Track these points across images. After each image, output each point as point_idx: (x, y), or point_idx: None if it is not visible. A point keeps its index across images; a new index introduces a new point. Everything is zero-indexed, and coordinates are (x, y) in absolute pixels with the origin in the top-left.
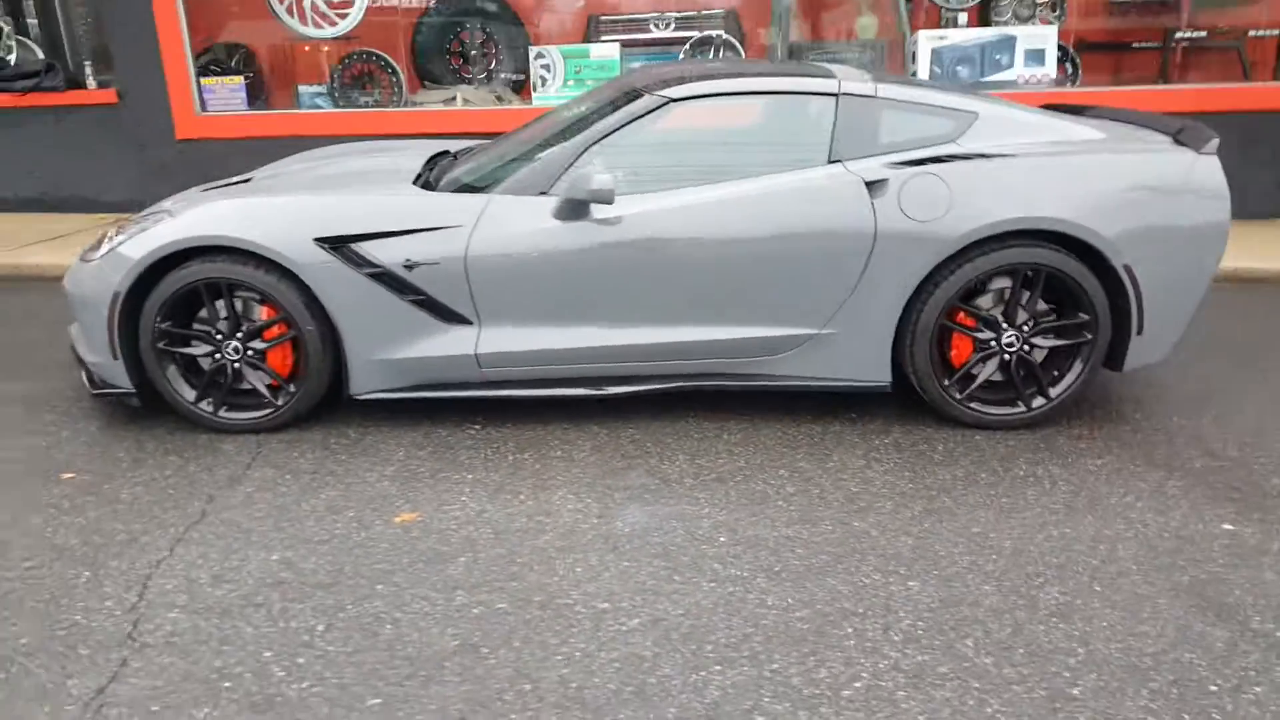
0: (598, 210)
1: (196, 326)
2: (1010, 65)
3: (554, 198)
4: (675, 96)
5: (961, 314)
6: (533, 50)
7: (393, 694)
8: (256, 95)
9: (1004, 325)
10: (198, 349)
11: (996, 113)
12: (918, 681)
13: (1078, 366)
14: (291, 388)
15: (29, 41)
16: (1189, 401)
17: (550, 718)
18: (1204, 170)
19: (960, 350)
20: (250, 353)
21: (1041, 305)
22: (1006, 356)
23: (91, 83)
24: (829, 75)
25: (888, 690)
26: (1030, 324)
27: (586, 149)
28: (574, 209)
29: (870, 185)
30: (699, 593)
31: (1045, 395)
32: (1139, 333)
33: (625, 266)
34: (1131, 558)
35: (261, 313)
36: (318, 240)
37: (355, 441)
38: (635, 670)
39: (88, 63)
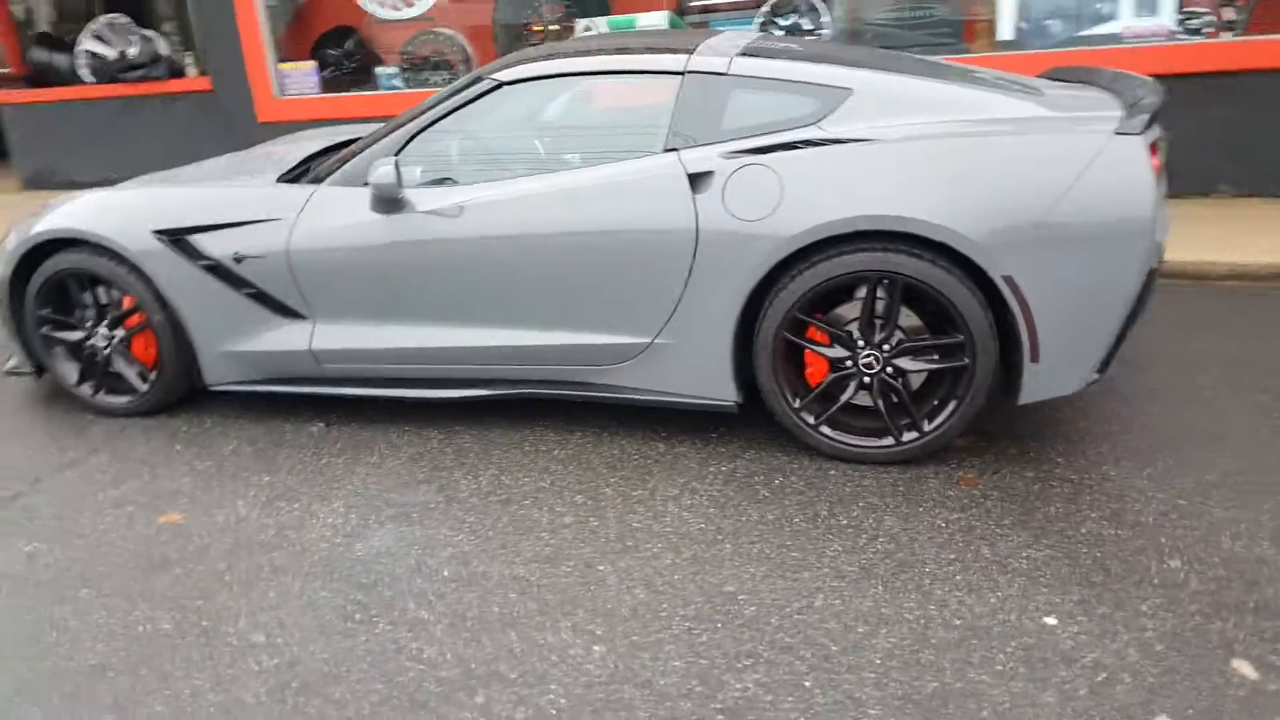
0: (417, 203)
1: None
2: (1114, 15)
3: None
4: (504, 79)
5: (813, 327)
6: (580, 22)
7: None
8: (363, 79)
9: (860, 343)
10: (72, 335)
11: (877, 89)
12: None
13: (956, 397)
14: (153, 375)
15: (151, 34)
16: (1140, 448)
17: None
18: (1117, 156)
19: (816, 368)
20: (117, 340)
21: (915, 321)
22: (866, 379)
23: (192, 71)
24: (689, 51)
25: None
26: (894, 343)
27: (412, 137)
28: (387, 201)
29: (693, 178)
30: (363, 636)
31: (918, 428)
32: (1034, 359)
33: (444, 264)
34: (886, 649)
35: (125, 302)
36: (156, 232)
37: (201, 432)
38: (229, 717)
39: (189, 52)
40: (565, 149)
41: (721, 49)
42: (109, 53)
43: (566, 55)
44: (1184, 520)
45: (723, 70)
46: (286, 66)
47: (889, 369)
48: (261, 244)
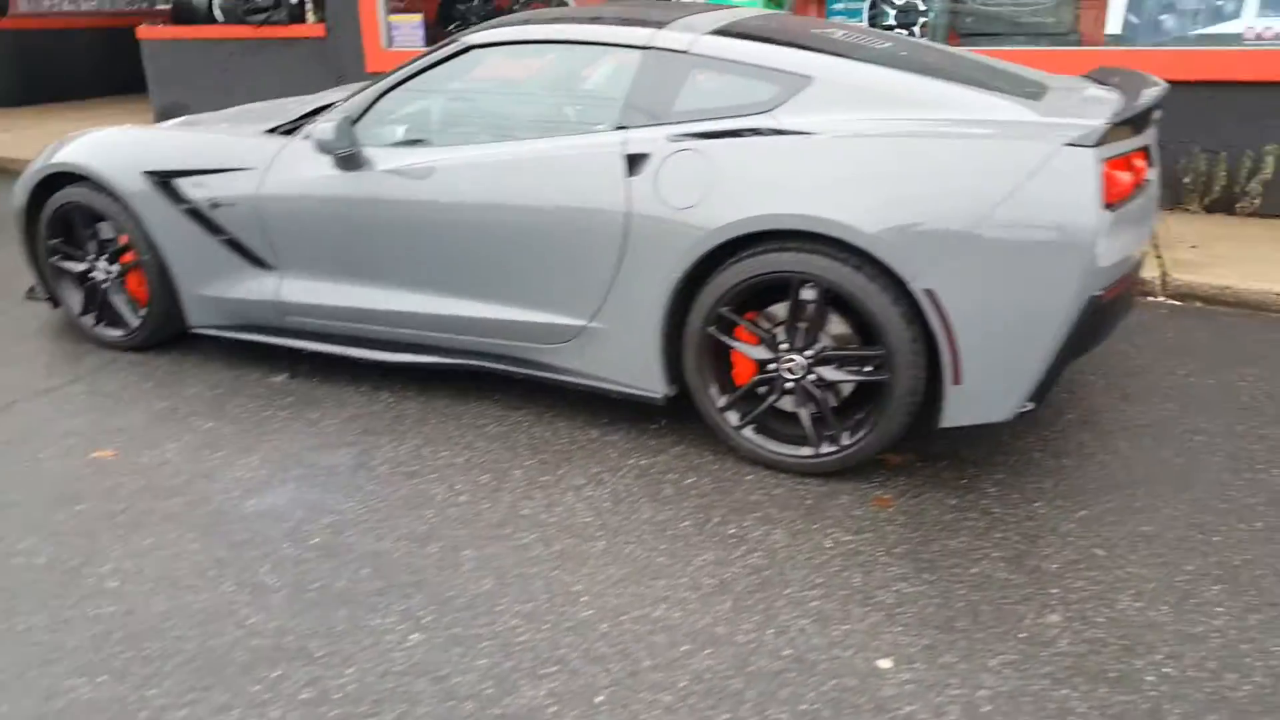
0: (373, 162)
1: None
2: (1236, 14)
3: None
4: (473, 42)
5: (741, 326)
6: None
7: None
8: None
9: (783, 346)
10: (76, 266)
11: (838, 79)
12: None
13: (875, 413)
14: (143, 312)
15: None
16: (1086, 487)
17: None
18: (1062, 167)
19: (743, 369)
20: (114, 275)
21: (847, 329)
22: (789, 385)
23: (310, 18)
24: (659, 25)
25: None
26: (817, 350)
27: (381, 95)
28: (349, 159)
29: (631, 160)
30: (205, 594)
31: (837, 441)
32: (956, 380)
33: (395, 225)
34: (698, 671)
35: (120, 239)
36: (145, 173)
37: (175, 371)
38: (43, 659)
39: None
40: (523, 118)
41: (696, 25)
42: None
43: (540, 22)
44: (1090, 572)
45: (684, 49)
46: (396, 18)
47: (812, 376)
48: (235, 192)
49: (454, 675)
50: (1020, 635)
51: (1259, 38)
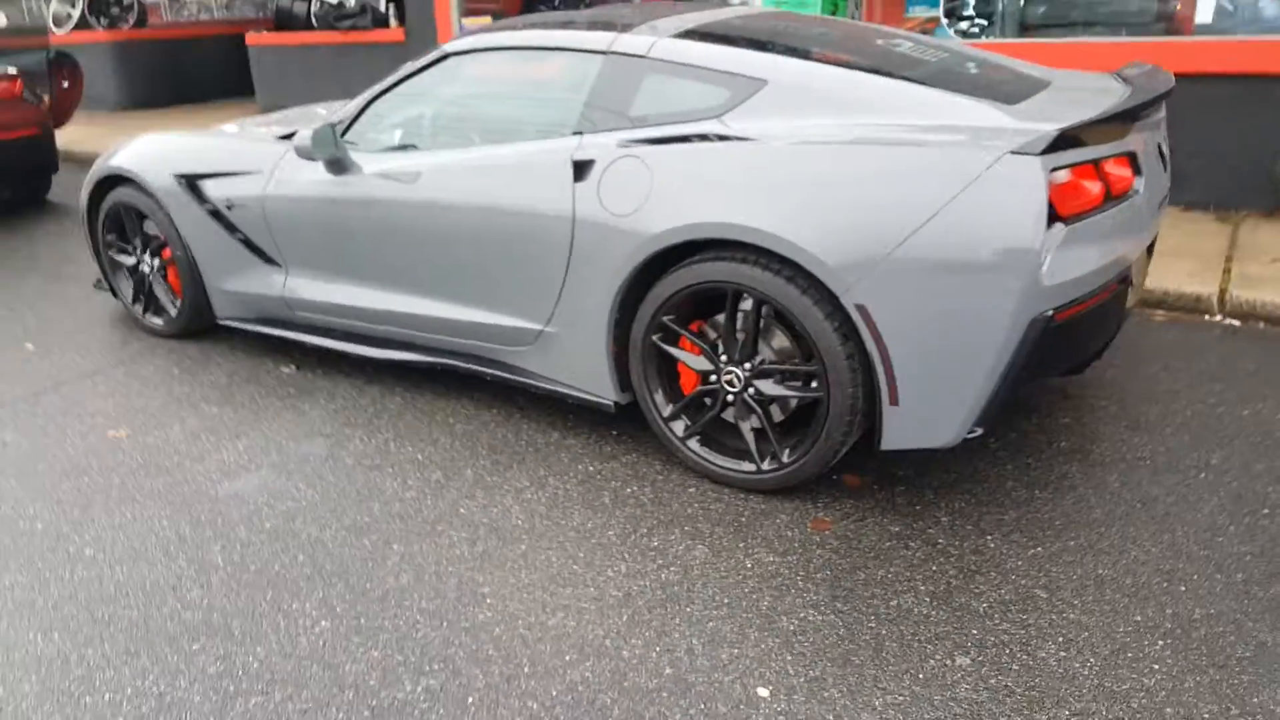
0: (358, 166)
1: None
2: None
3: None
4: (450, 49)
5: (685, 336)
6: None
7: None
8: None
9: (722, 358)
10: (127, 259)
11: (794, 82)
12: None
13: (814, 431)
14: (179, 304)
15: None
16: (1052, 524)
17: None
18: (1003, 176)
19: (688, 379)
20: (156, 267)
21: (786, 342)
22: (729, 398)
23: (393, 22)
24: (623, 28)
25: None
26: (755, 363)
27: (370, 102)
28: (335, 163)
29: (577, 166)
30: (160, 568)
31: (778, 458)
32: (892, 401)
33: (375, 226)
34: (572, 682)
35: (162, 235)
36: (176, 175)
37: (202, 359)
38: (17, 616)
39: (394, 4)
40: (493, 123)
41: (662, 28)
42: (336, 1)
43: (515, 28)
44: (1021, 615)
45: (642, 53)
46: (469, 21)
47: (751, 390)
48: (246, 193)
49: (346, 664)
50: (919, 676)
51: None
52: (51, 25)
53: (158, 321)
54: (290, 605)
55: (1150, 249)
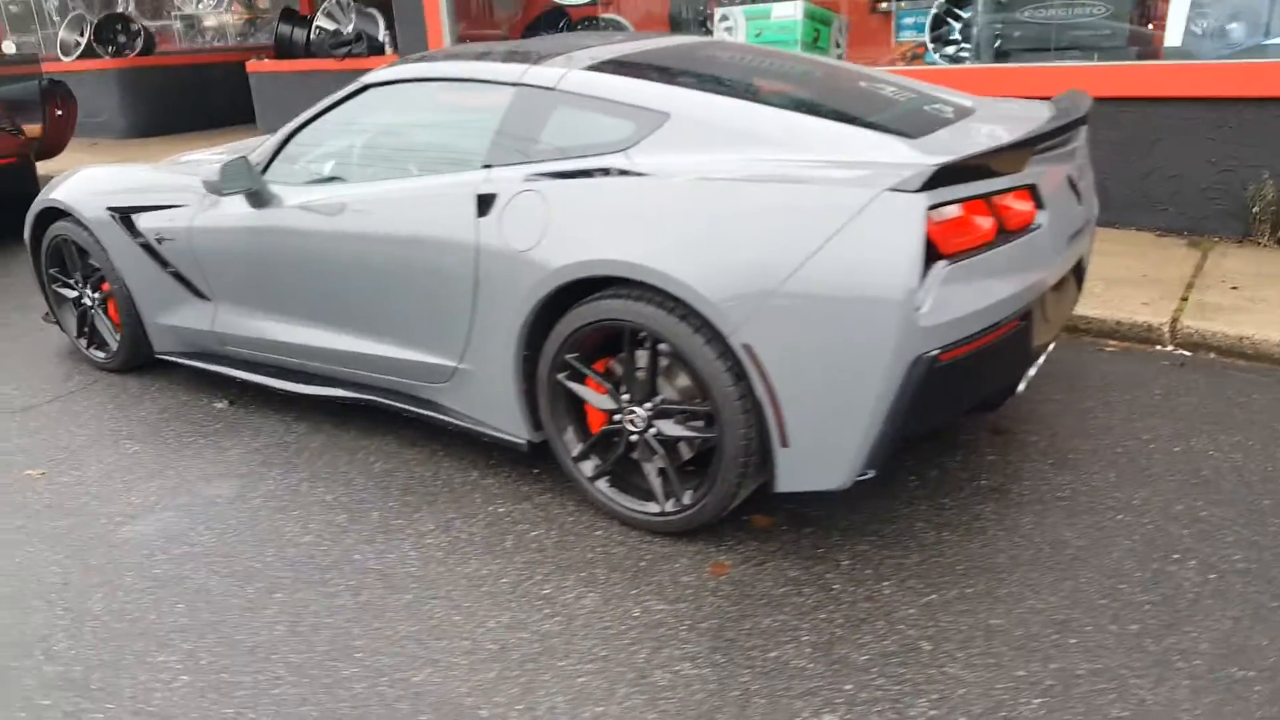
0: (278, 199)
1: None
2: None
3: None
4: (370, 80)
5: (589, 375)
6: (717, 11)
7: None
8: None
9: (624, 397)
10: (69, 292)
11: (695, 116)
12: None
13: (713, 473)
14: (118, 337)
15: (373, 11)
16: (954, 569)
17: None
18: (880, 214)
19: (595, 418)
20: (96, 301)
21: (687, 382)
22: (632, 437)
23: (389, 49)
24: (536, 60)
25: None
26: (655, 403)
27: (294, 133)
28: (254, 196)
29: (480, 200)
30: (40, 615)
31: (679, 500)
32: (783, 444)
33: (290, 260)
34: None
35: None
36: (110, 209)
37: (139, 394)
38: None
39: (388, 32)
40: (408, 155)
41: (576, 60)
42: (333, 29)
43: (433, 59)
44: (900, 669)
45: (552, 85)
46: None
47: (652, 430)
48: (175, 226)
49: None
50: None
51: None
52: (59, 53)
53: (100, 355)
54: (156, 658)
55: (1079, 280)
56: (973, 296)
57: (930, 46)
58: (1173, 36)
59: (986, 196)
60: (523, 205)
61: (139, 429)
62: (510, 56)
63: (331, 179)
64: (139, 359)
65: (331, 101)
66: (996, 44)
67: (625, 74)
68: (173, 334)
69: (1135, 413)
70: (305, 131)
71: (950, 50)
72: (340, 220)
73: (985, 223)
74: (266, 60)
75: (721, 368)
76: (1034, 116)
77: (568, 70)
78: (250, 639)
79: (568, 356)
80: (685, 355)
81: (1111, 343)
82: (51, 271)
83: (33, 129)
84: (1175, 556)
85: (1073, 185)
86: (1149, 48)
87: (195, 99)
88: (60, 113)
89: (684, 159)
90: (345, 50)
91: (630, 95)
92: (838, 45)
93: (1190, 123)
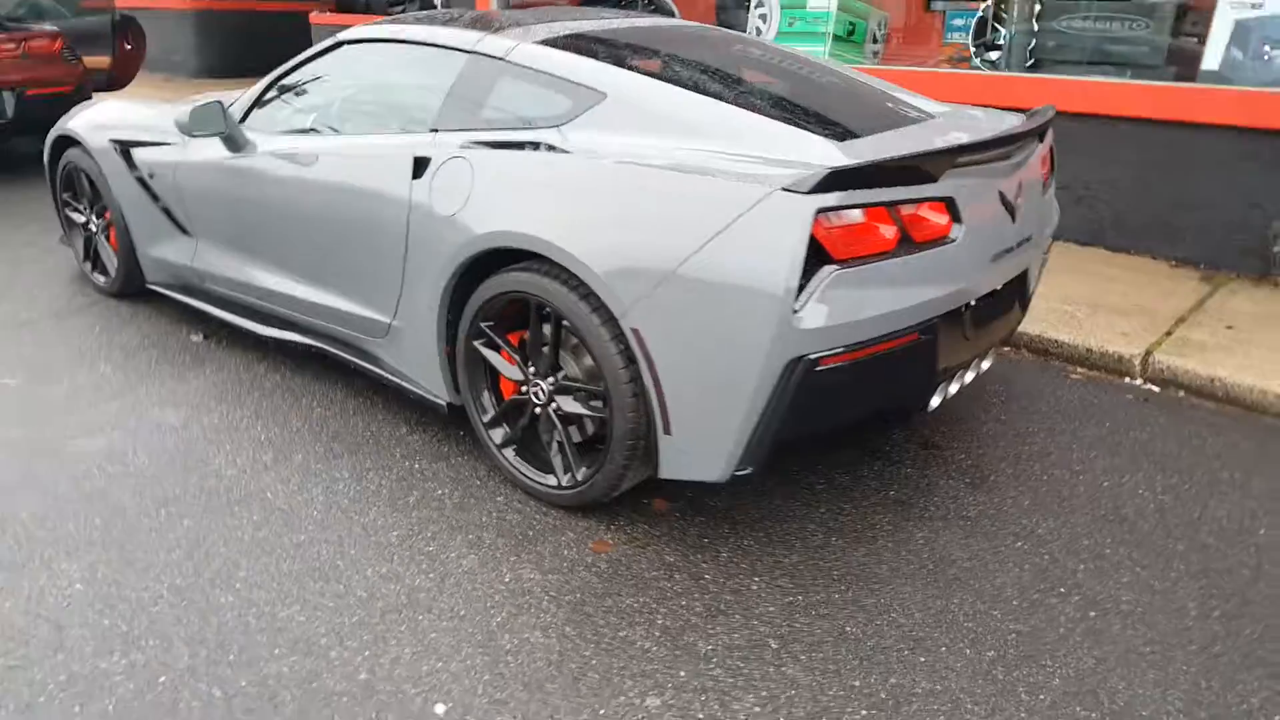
0: (251, 144)
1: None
2: None
3: None
4: (344, 38)
5: (501, 344)
6: None
7: None
8: None
9: (530, 370)
10: (78, 217)
11: (631, 98)
12: None
13: (603, 453)
14: (116, 264)
15: None
16: (830, 574)
17: None
18: (769, 213)
19: (506, 388)
20: (100, 228)
21: (590, 360)
22: (537, 410)
23: (438, 5)
24: (493, 30)
25: None
26: (558, 378)
27: (273, 83)
28: (229, 140)
29: (417, 162)
30: None
31: (574, 474)
32: (666, 430)
33: (264, 202)
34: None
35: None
36: (113, 141)
37: (130, 320)
38: None
39: None
40: (371, 113)
41: (531, 33)
42: None
43: (405, 22)
44: (741, 664)
45: (501, 55)
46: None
47: (553, 404)
48: (164, 162)
49: (74, 627)
50: (600, 711)
51: None
52: None
53: (101, 280)
54: (60, 565)
55: (1024, 303)
56: (862, 304)
57: (972, 50)
58: (1211, 59)
59: (892, 205)
60: (451, 171)
61: (116, 353)
62: (472, 24)
63: (301, 130)
64: (133, 287)
65: (310, 54)
66: (1031, 54)
67: (575, 51)
68: (161, 266)
69: (1076, 443)
70: (284, 81)
71: (993, 56)
72: (301, 169)
73: (888, 231)
74: (329, 14)
75: (614, 350)
76: (985, 129)
77: (519, 43)
78: (146, 558)
79: (483, 324)
80: (582, 335)
81: (1079, 370)
82: (64, 197)
83: (100, 61)
84: (1060, 590)
85: (1006, 202)
86: (1189, 69)
87: (264, 45)
88: (130, 47)
89: (614, 140)
90: (401, 8)
91: (572, 72)
92: (875, 41)
93: (1220, 152)
